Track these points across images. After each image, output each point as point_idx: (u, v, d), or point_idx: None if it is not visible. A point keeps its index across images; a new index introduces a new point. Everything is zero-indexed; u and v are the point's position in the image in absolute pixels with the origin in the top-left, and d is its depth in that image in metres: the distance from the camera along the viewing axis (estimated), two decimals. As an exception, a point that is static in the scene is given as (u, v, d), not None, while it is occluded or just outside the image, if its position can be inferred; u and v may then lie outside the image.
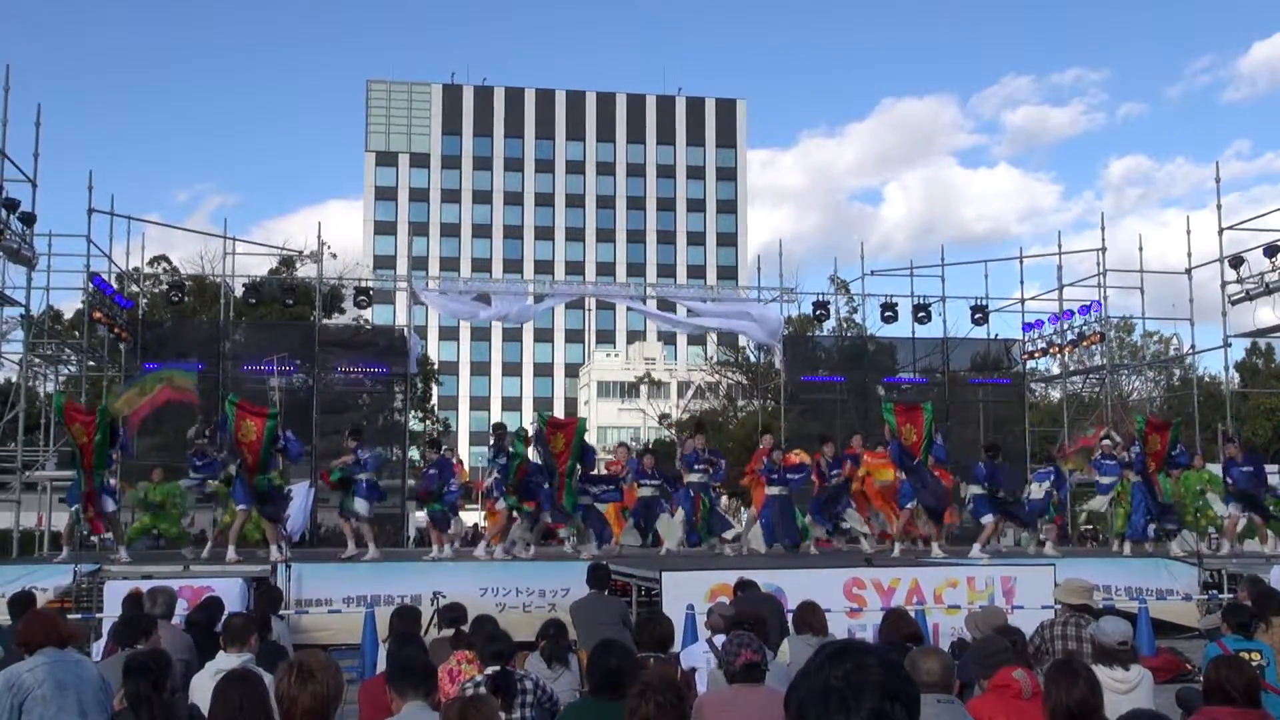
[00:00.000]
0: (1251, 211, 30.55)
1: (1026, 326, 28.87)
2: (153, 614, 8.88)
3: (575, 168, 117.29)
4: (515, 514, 18.34)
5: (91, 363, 25.89)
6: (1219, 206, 24.87)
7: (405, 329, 26.99)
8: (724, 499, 22.52)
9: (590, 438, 21.46)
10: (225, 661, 7.34)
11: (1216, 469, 21.30)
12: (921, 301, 27.54)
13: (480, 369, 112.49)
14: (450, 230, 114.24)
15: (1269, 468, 23.00)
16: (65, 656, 4.62)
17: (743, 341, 44.79)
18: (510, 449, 18.33)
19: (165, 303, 30.32)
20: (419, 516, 23.49)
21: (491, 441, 19.43)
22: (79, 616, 14.01)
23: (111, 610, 13.63)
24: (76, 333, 29.73)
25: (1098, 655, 7.17)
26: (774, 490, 19.00)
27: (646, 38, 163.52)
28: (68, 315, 38.01)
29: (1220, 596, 16.68)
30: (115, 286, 24.51)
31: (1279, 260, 22.98)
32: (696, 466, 19.30)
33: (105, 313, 23.03)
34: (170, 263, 40.69)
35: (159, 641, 7.83)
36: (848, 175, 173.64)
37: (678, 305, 29.47)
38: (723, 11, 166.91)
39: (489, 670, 7.09)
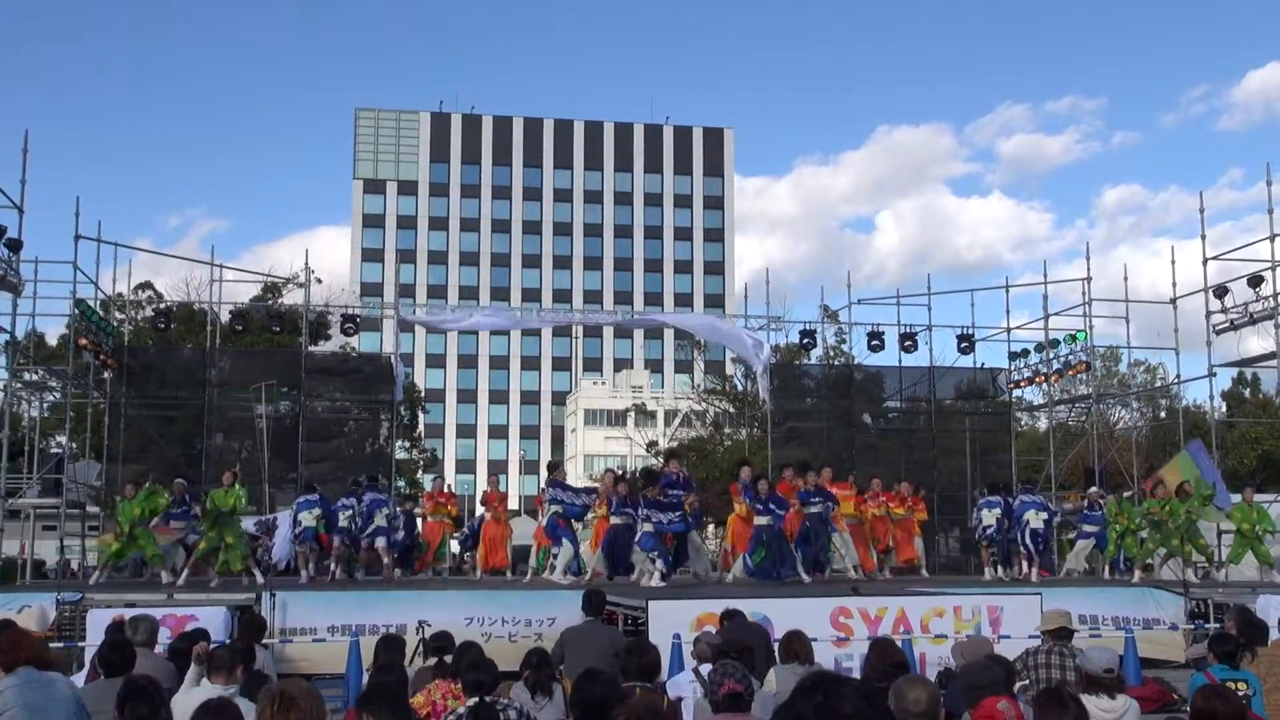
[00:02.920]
0: (1244, 240, 30.81)
1: (1012, 356, 28.91)
2: (134, 641, 8.80)
3: (563, 196, 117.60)
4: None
5: (76, 389, 25.78)
6: (1203, 237, 25.01)
7: (392, 356, 26.93)
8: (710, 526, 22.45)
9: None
10: (210, 691, 7.28)
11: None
12: (908, 330, 27.55)
13: (467, 396, 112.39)
14: (437, 258, 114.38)
15: (1260, 496, 23.13)
16: (37, 677, 4.57)
17: (730, 370, 44.82)
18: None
19: (151, 329, 30.21)
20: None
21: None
22: (61, 645, 13.90)
23: (94, 638, 13.52)
24: (62, 357, 29.61)
25: (1084, 684, 7.16)
26: (763, 521, 18.88)
27: (636, 67, 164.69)
28: (52, 341, 37.89)
29: (1206, 626, 16.68)
30: (101, 313, 24.42)
31: (1263, 290, 23.12)
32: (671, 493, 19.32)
33: (91, 339, 22.93)
34: (155, 289, 40.62)
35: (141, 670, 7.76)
36: (841, 203, 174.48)
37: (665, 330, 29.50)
38: (718, 40, 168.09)
39: (469, 702, 7.03)
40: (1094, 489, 22.89)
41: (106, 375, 24.95)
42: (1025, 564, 21.28)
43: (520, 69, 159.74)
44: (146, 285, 40.66)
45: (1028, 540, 21.06)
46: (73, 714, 2.68)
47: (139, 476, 19.72)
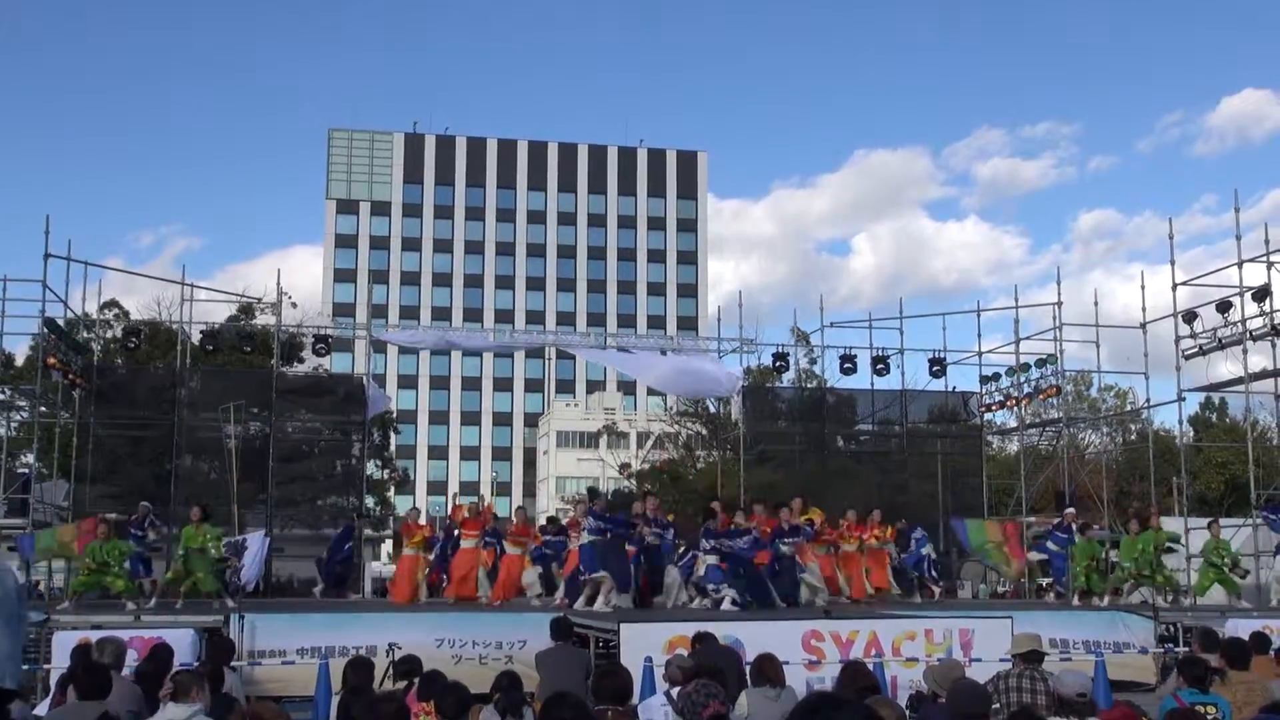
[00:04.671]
0: (1218, 265, 31.10)
1: (984, 379, 29.04)
2: (103, 663, 8.72)
3: (536, 217, 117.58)
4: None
5: (44, 408, 25.57)
6: (1173, 262, 25.22)
7: (364, 377, 26.85)
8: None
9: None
10: (174, 713, 7.21)
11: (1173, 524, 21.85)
12: (880, 353, 27.65)
13: (439, 418, 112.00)
14: (410, 279, 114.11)
15: (1224, 521, 23.27)
16: None
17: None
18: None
19: (120, 348, 30.01)
20: (374, 567, 23.39)
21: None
22: (26, 667, 13.74)
23: (60, 661, 13.37)
24: (30, 376, 29.38)
25: (1056, 707, 7.18)
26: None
27: (611, 90, 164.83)
28: (19, 361, 37.58)
29: (1176, 650, 16.75)
30: (69, 332, 24.23)
31: (1231, 315, 23.32)
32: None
33: (60, 358, 22.75)
34: (122, 308, 40.30)
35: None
36: (818, 225, 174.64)
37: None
38: (694, 64, 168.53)
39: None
40: (1070, 509, 23.17)
41: (75, 394, 24.76)
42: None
43: (494, 91, 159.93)
44: (113, 304, 40.35)
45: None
46: (14, 599, 2.48)
47: (107, 513, 19.55)
